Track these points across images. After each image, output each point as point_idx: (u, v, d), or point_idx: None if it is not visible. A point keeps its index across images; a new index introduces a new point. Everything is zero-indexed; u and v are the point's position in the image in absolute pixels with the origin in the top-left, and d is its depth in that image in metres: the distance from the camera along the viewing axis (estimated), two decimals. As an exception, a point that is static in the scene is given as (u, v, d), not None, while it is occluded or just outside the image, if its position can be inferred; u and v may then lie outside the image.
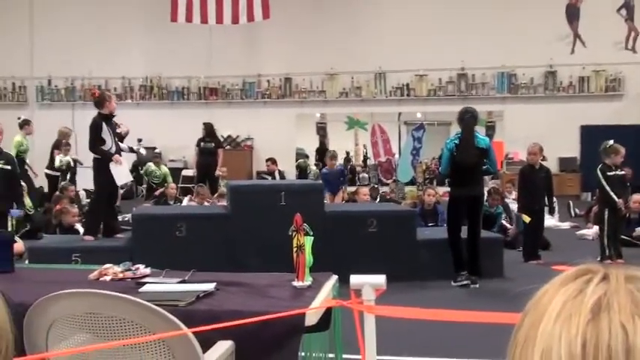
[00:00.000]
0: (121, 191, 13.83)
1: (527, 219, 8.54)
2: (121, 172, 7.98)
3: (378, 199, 13.11)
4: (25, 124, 12.51)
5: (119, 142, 8.30)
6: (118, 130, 8.58)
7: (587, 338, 0.68)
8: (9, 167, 7.32)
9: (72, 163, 13.08)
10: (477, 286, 7.15)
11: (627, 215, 9.16)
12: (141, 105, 18.44)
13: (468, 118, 7.35)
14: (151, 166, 14.86)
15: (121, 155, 7.86)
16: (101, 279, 3.42)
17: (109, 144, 7.60)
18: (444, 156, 7.58)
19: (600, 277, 0.73)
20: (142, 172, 15.67)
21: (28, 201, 10.68)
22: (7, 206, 7.39)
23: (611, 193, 8.43)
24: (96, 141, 7.55)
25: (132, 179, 11.88)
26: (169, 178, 14.62)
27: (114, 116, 7.84)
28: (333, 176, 12.61)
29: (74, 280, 3.29)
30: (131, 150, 9.68)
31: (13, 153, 11.63)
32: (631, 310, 0.68)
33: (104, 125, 7.58)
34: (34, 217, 10.58)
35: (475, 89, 17.57)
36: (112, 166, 7.66)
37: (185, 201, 12.12)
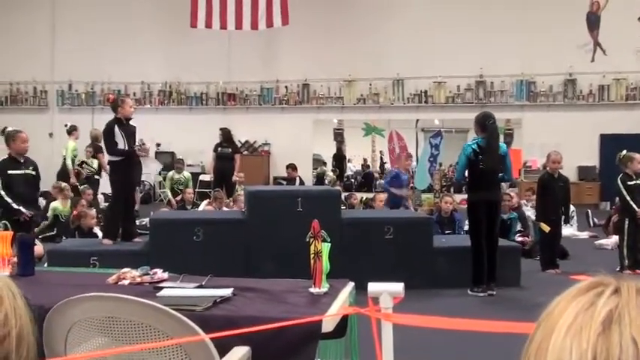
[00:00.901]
0: (139, 195, 13.95)
1: (546, 228, 8.47)
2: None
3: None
4: (73, 130, 13.26)
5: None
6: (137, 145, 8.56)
7: (597, 352, 0.68)
8: (34, 173, 7.41)
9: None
10: (494, 293, 7.11)
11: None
12: (160, 110, 18.57)
13: (491, 124, 7.32)
14: (173, 174, 14.80)
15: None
16: (119, 283, 3.44)
17: (121, 146, 7.66)
18: (460, 161, 7.52)
19: (612, 289, 0.73)
20: (163, 179, 15.64)
21: (64, 207, 10.74)
22: (33, 211, 7.47)
23: (631, 203, 8.35)
24: (111, 144, 7.62)
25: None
26: (190, 183, 14.64)
27: (129, 119, 7.87)
28: (406, 182, 10.00)
29: (93, 284, 3.31)
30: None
31: (68, 157, 12.83)
32: None
33: (116, 128, 7.64)
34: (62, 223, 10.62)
35: (493, 97, 17.49)
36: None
37: (202, 205, 12.16)
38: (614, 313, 0.69)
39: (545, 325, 0.74)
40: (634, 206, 8.32)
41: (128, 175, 7.84)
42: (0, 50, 18.64)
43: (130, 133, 7.77)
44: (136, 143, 8.05)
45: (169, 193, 14.30)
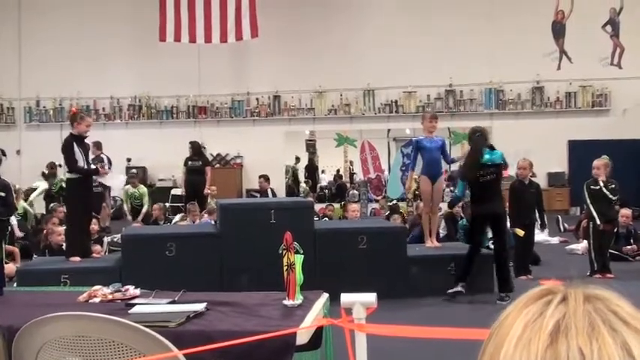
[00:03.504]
0: (111, 211, 13.76)
1: (520, 233, 8.55)
2: (113, 180, 8.11)
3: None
4: None
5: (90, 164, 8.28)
6: (100, 168, 8.61)
7: None
8: (3, 194, 7.25)
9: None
10: (509, 301, 7.10)
11: (616, 230, 9.18)
12: (130, 124, 18.42)
13: (477, 137, 7.50)
14: (129, 188, 14.29)
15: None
16: (90, 301, 3.39)
17: (81, 164, 7.57)
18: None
19: (560, 298, 0.73)
20: (118, 196, 15.16)
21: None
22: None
23: (591, 208, 8.49)
24: (72, 160, 7.53)
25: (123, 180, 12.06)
26: (146, 198, 14.03)
27: (84, 138, 7.83)
28: (435, 149, 8.33)
29: (63, 303, 3.27)
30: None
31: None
32: (588, 333, 0.68)
33: (75, 146, 7.56)
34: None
35: (463, 105, 17.66)
36: (106, 179, 7.77)
37: (176, 219, 12.05)
38: (561, 323, 0.69)
39: (496, 337, 0.74)
40: (593, 212, 8.46)
41: (85, 193, 7.70)
42: (-35, 67, 18.37)
43: (85, 151, 7.76)
44: (91, 163, 8.04)
45: (125, 206, 13.98)
